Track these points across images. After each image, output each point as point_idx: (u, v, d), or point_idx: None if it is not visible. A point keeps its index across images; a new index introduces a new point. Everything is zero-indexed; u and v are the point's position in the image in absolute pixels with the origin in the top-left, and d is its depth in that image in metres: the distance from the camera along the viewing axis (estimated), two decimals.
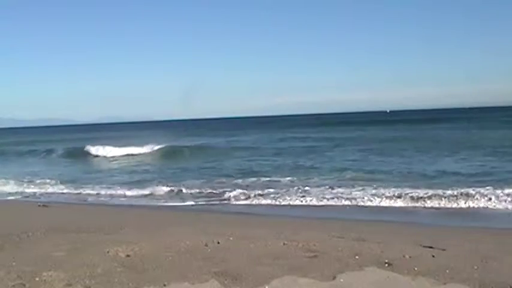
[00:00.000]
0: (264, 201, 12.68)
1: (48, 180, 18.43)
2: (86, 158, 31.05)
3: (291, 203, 12.37)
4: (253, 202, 12.69)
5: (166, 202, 13.43)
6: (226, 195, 13.47)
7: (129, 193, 14.88)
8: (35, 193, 15.97)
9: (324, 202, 12.14)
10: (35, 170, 23.70)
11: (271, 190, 13.80)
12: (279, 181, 15.72)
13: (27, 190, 16.68)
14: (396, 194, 12.15)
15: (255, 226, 7.95)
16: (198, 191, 14.58)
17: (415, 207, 11.27)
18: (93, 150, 32.75)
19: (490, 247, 6.08)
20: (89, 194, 15.25)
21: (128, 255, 5.52)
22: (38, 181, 18.55)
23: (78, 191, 15.85)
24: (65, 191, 16.28)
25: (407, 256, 5.38)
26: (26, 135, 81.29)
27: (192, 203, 13.01)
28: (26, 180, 18.89)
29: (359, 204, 11.78)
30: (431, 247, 5.88)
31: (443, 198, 11.55)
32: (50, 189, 16.69)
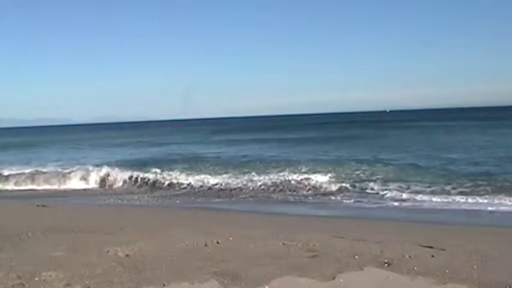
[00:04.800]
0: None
1: None
2: None
3: None
4: None
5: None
6: None
7: None
8: None
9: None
10: None
11: None
12: None
13: None
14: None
15: (255, 226, 7.95)
16: None
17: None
18: None
19: (490, 247, 6.08)
20: None
21: (127, 255, 5.52)
22: None
23: None
24: None
25: (406, 256, 5.39)
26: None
27: None
28: None
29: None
30: (430, 247, 5.89)
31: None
32: None
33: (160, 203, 13.38)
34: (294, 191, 14.24)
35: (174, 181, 16.54)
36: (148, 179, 17.13)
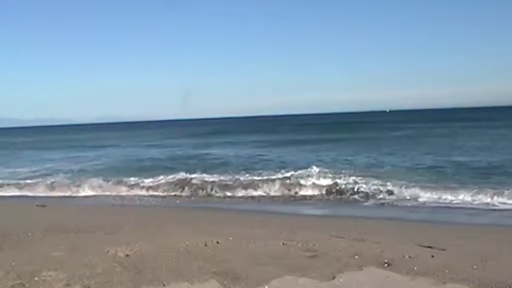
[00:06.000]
0: None
1: None
2: None
3: None
4: None
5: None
6: None
7: None
8: None
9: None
10: None
11: None
12: None
13: None
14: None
15: (255, 226, 7.95)
16: None
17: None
18: None
19: (490, 247, 6.09)
20: None
21: (127, 255, 5.53)
22: None
23: None
24: None
25: (406, 256, 5.39)
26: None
27: None
28: None
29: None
30: (430, 247, 5.89)
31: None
32: None
33: (160, 203, 13.38)
34: (294, 191, 14.23)
35: (174, 181, 16.53)
36: (148, 180, 17.11)
